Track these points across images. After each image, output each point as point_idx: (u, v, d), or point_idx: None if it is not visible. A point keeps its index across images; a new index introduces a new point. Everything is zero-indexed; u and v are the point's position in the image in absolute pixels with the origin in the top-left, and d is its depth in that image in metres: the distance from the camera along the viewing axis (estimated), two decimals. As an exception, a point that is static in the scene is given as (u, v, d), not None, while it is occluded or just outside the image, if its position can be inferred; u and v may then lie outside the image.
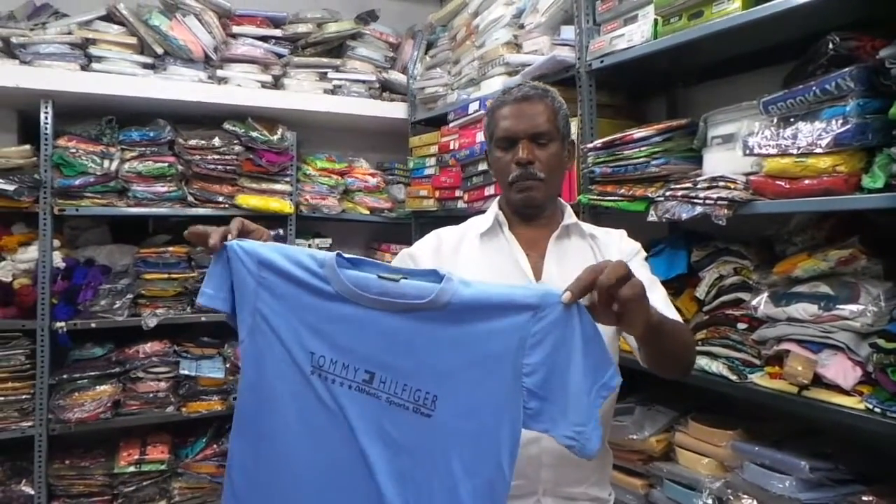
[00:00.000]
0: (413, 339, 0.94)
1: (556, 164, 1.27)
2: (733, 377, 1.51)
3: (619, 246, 1.29)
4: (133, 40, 2.59)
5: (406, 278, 0.96)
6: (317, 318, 0.98)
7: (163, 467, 2.58)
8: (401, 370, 0.94)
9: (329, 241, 3.00)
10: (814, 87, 1.30)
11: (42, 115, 2.45)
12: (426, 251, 1.29)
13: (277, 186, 2.82)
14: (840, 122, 1.25)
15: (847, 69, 1.25)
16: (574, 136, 1.94)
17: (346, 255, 1.00)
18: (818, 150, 1.28)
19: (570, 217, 1.30)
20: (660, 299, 1.19)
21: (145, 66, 2.61)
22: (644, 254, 1.32)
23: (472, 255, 1.26)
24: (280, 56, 2.85)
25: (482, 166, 2.26)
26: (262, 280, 1.01)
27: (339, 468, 0.95)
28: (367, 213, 3.06)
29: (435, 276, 0.95)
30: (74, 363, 2.56)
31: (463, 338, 0.92)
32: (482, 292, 0.93)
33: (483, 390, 0.91)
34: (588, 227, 1.32)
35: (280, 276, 1.01)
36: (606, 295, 0.86)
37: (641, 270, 1.28)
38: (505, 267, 1.24)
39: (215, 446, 2.71)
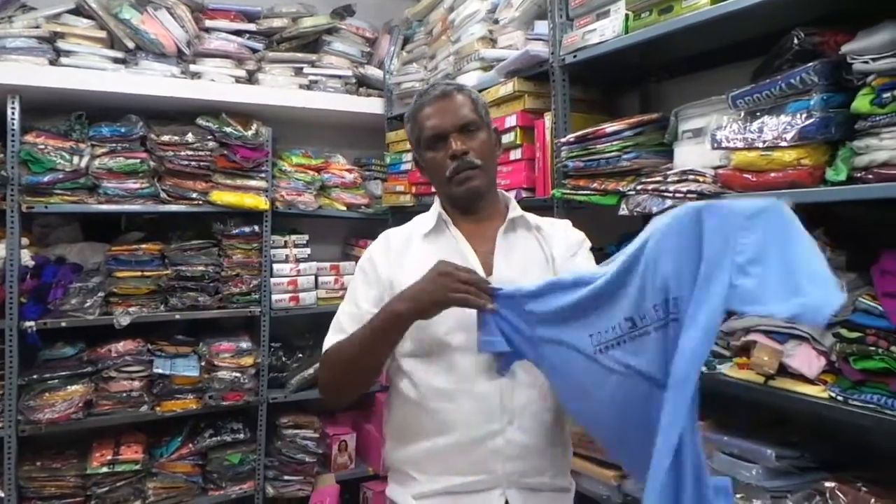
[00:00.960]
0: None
1: (488, 150, 1.29)
2: (703, 368, 1.53)
3: (564, 236, 1.32)
4: (103, 34, 2.55)
5: None
6: (574, 310, 1.06)
7: (137, 467, 2.55)
8: (643, 295, 0.95)
9: (306, 237, 2.98)
10: (780, 82, 1.32)
11: (9, 111, 2.39)
12: (379, 252, 1.30)
13: (252, 182, 2.79)
14: (804, 115, 1.27)
15: (811, 64, 1.27)
16: (547, 131, 1.97)
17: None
18: (783, 144, 1.30)
19: (514, 210, 1.32)
20: None
21: (116, 60, 2.57)
22: (589, 244, 1.35)
23: (419, 254, 1.26)
24: (254, 51, 2.83)
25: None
26: (527, 313, 1.11)
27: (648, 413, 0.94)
28: (344, 209, 3.04)
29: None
30: (45, 363, 2.51)
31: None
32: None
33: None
34: (534, 219, 1.33)
35: (538, 298, 1.10)
36: None
37: (587, 262, 1.30)
38: (454, 262, 1.23)
39: (191, 445, 2.68)
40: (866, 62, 1.19)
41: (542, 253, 1.28)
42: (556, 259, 1.27)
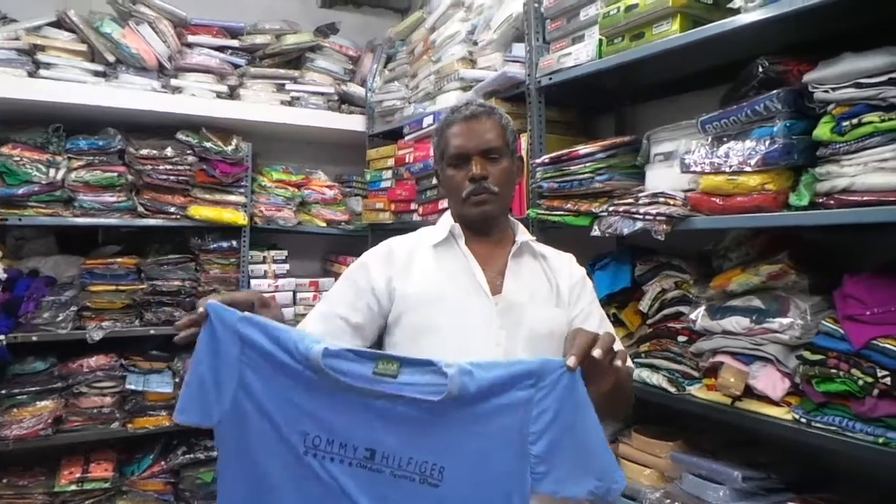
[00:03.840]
0: (416, 423, 0.94)
1: (508, 178, 1.31)
2: (672, 389, 1.54)
3: (569, 271, 1.33)
4: (83, 47, 2.54)
5: (402, 365, 0.96)
6: (306, 402, 0.96)
7: (107, 485, 2.50)
8: (404, 446, 0.94)
9: (285, 253, 2.97)
10: (745, 108, 1.35)
11: (-15, 122, 2.38)
12: (377, 260, 1.30)
13: (231, 197, 2.79)
14: (768, 141, 1.30)
15: (775, 91, 1.30)
16: (523, 152, 1.99)
17: (333, 348, 0.97)
18: (748, 169, 1.33)
19: (523, 234, 1.34)
20: (596, 323, 1.26)
21: (96, 73, 2.56)
22: (590, 282, 1.36)
23: (427, 265, 1.28)
24: (236, 66, 2.83)
25: (436, 180, 2.28)
26: (245, 357, 0.98)
27: None
28: (325, 225, 3.04)
29: (431, 366, 0.95)
30: (14, 378, 2.46)
31: (470, 418, 0.94)
32: (485, 378, 0.94)
33: (491, 461, 0.93)
34: (539, 247, 1.35)
35: (264, 359, 0.98)
36: (602, 364, 0.94)
37: (590, 297, 1.33)
38: (461, 279, 1.26)
39: (163, 463, 2.64)
40: (827, 91, 1.22)
41: (547, 282, 1.30)
42: (562, 292, 1.29)
